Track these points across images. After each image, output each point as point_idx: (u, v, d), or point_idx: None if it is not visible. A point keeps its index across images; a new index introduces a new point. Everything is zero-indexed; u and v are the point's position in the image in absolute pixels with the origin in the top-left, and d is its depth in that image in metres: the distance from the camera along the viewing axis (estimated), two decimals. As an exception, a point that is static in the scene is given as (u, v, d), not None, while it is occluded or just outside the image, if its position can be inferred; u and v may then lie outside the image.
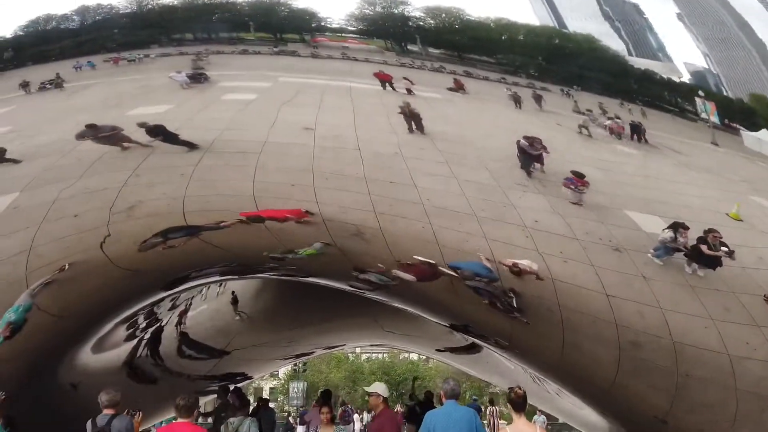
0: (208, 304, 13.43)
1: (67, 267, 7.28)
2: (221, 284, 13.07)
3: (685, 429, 7.19)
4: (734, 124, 7.81)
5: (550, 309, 6.97)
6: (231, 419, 7.74)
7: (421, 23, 8.35)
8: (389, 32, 8.28)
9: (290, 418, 26.91)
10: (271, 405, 15.57)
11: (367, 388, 6.63)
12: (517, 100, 7.96)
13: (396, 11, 8.35)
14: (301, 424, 17.98)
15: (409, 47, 8.28)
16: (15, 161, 7.38)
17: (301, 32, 8.37)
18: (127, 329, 10.88)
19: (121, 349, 10.84)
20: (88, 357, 9.69)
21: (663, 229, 6.81)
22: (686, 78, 8.01)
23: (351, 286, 8.95)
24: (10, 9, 7.81)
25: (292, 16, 8.44)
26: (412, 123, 7.62)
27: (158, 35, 8.18)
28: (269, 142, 7.52)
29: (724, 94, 8.00)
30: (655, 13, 8.11)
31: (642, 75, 8.07)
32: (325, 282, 9.53)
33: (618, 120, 7.77)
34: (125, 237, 7.39)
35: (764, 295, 6.59)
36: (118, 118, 7.59)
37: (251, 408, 10.65)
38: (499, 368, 13.44)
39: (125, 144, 7.33)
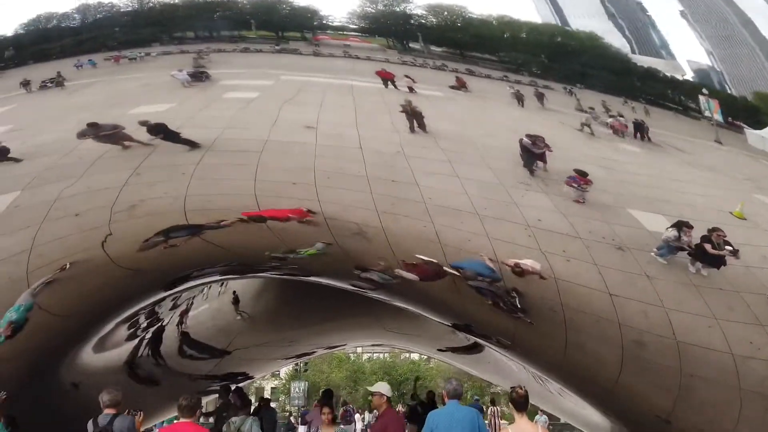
0: (209, 304, 13.43)
1: (68, 266, 7.27)
2: (222, 284, 13.06)
3: (688, 429, 7.16)
4: (738, 122, 7.78)
5: (552, 308, 6.94)
6: (233, 418, 7.73)
7: (423, 21, 8.33)
8: (391, 30, 8.26)
9: (291, 418, 26.90)
10: (273, 405, 15.55)
11: (370, 388, 6.60)
12: (519, 99, 7.93)
13: (398, 9, 8.33)
14: (303, 423, 17.97)
15: (411, 45, 8.26)
16: (16, 160, 7.36)
17: (302, 30, 8.36)
18: (129, 329, 10.87)
19: (123, 349, 10.83)
20: (89, 356, 9.68)
21: (667, 228, 6.77)
22: (689, 76, 7.97)
23: (353, 285, 8.93)
24: (11, 7, 7.80)
25: (294, 14, 8.42)
26: (414, 122, 7.59)
27: (159, 33, 8.16)
28: (271, 140, 7.50)
29: (728, 91, 7.96)
30: (658, 11, 8.08)
31: (645, 73, 8.04)
32: (326, 281, 9.52)
33: (621, 118, 7.74)
34: (126, 236, 7.37)
35: (768, 294, 6.55)
36: (119, 117, 7.58)
37: (252, 408, 10.63)
38: (500, 368, 13.41)
39: (126, 143, 7.31)
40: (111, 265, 7.42)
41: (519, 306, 7.08)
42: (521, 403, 5.37)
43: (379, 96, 8.13)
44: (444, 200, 7.28)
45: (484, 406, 19.91)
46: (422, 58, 8.29)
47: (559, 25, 8.13)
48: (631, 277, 6.79)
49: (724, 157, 7.97)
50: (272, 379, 40.49)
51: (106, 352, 10.27)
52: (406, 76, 7.95)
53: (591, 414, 10.18)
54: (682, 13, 8.17)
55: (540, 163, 7.31)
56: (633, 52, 8.04)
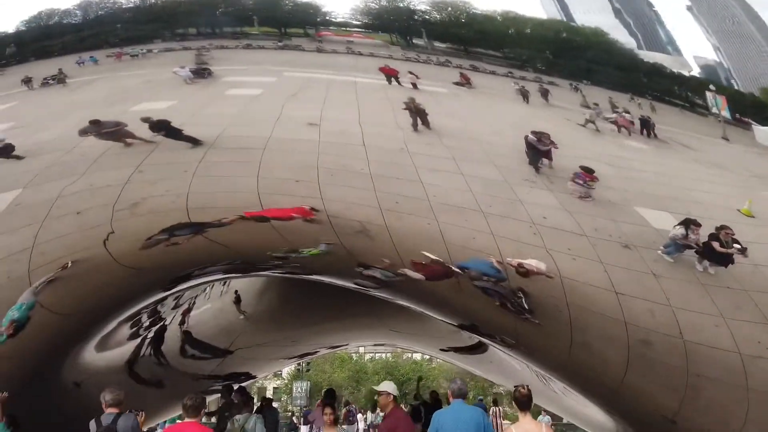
0: (211, 303, 13.41)
1: (69, 264, 7.24)
2: (225, 283, 13.04)
3: (695, 429, 7.09)
4: (746, 119, 7.70)
5: (558, 307, 6.88)
6: (237, 416, 7.72)
7: (427, 17, 8.29)
8: (394, 26, 8.23)
9: (294, 418, 26.89)
10: (275, 405, 15.53)
11: (376, 387, 6.53)
12: (524, 95, 7.88)
13: (401, 5, 8.29)
14: (305, 423, 17.94)
15: (414, 41, 8.22)
16: (18, 157, 7.34)
17: (305, 26, 8.32)
18: (131, 328, 10.84)
19: (124, 348, 10.81)
20: (91, 356, 9.65)
21: (674, 226, 6.70)
22: (696, 72, 7.91)
23: (356, 284, 8.88)
24: (13, 4, 7.78)
25: (297, 10, 8.40)
26: (418, 119, 7.54)
27: (161, 30, 8.14)
28: (273, 137, 7.45)
29: (735, 88, 7.90)
30: (664, 6, 8.01)
31: (651, 69, 7.98)
32: (329, 280, 9.47)
33: (626, 114, 7.67)
34: (128, 234, 7.34)
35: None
36: (121, 114, 7.55)
37: (254, 408, 10.59)
38: (503, 368, 13.36)
39: (129, 140, 7.28)
40: (113, 263, 7.38)
41: (524, 305, 7.02)
42: (524, 402, 5.33)
43: (383, 92, 8.09)
44: (448, 198, 7.22)
45: (487, 407, 19.83)
46: (426, 55, 8.25)
47: (565, 20, 8.07)
48: (637, 276, 6.72)
49: (732, 154, 7.91)
50: (274, 379, 40.49)
51: (108, 351, 10.24)
52: (410, 73, 7.91)
53: (595, 413, 10.12)
54: (689, 8, 8.11)
55: (545, 161, 7.25)
56: (639, 47, 7.98)
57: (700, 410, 6.84)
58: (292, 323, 13.32)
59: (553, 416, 17.86)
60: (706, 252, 6.63)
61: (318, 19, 8.30)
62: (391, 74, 7.93)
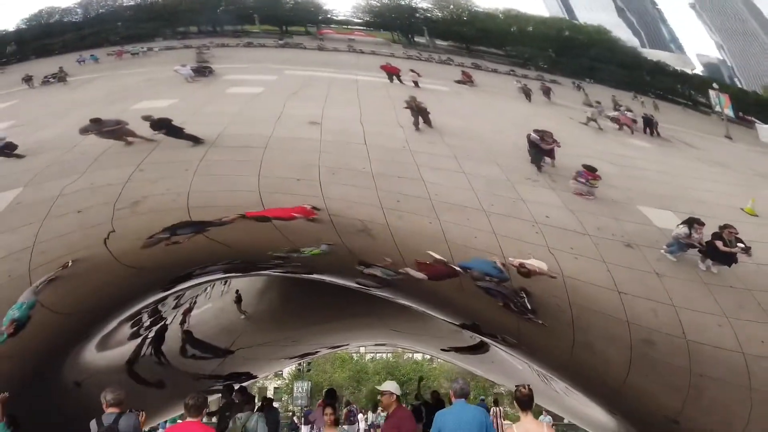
0: (212, 303, 13.39)
1: (70, 263, 7.22)
2: (226, 282, 13.02)
3: (697, 429, 7.06)
4: (749, 117, 7.67)
5: (560, 306, 6.85)
6: (239, 414, 7.72)
7: (429, 14, 8.27)
8: (396, 24, 8.21)
9: (294, 418, 26.88)
10: (275, 405, 15.51)
11: (379, 387, 6.50)
12: (527, 93, 7.84)
13: (403, 2, 8.29)
14: (306, 423, 17.92)
15: (416, 39, 8.20)
16: (18, 156, 7.32)
17: (306, 24, 8.30)
18: (131, 327, 10.82)
19: (125, 348, 10.79)
20: (91, 355, 9.63)
21: (678, 225, 6.67)
22: (699, 70, 7.88)
23: (357, 283, 8.86)
24: (14, 2, 7.77)
25: (298, 8, 8.38)
26: (419, 117, 7.51)
27: (162, 28, 8.13)
28: (275, 136, 7.43)
29: (739, 86, 7.86)
30: (667, 3, 7.98)
31: (654, 67, 7.94)
32: (330, 279, 9.45)
33: (628, 112, 7.64)
34: (129, 233, 7.32)
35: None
36: (122, 112, 7.54)
37: (255, 408, 10.57)
38: (504, 368, 13.33)
39: (129, 138, 7.26)
40: (113, 262, 7.36)
41: (527, 305, 6.99)
42: (525, 401, 5.31)
43: (385, 91, 8.06)
44: (450, 197, 7.19)
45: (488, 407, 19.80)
46: (428, 53, 8.22)
47: (567, 18, 8.04)
48: (640, 275, 6.69)
49: (735, 152, 7.87)
50: (275, 379, 40.49)
51: (108, 350, 10.22)
52: (412, 71, 7.88)
53: (597, 413, 10.08)
54: (692, 6, 8.07)
55: (548, 159, 7.22)
56: (642, 45, 7.95)
57: (703, 410, 6.81)
58: (293, 323, 13.30)
59: (555, 416, 17.83)
60: (709, 251, 6.59)
61: (319, 17, 8.28)
62: (392, 72, 7.90)
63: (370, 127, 7.58)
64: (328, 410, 6.43)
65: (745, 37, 8.06)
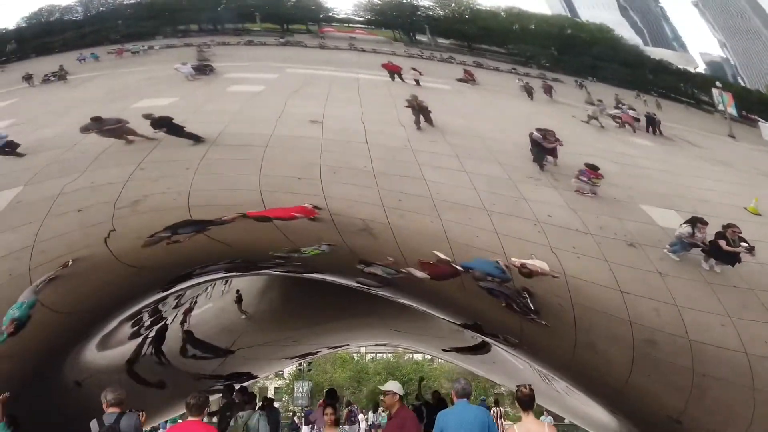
0: (213, 303, 13.38)
1: (70, 263, 7.20)
2: (226, 282, 13.01)
3: (700, 429, 7.03)
4: (752, 116, 7.64)
5: (562, 306, 6.83)
6: (240, 413, 7.71)
7: (430, 13, 8.25)
8: (398, 22, 8.20)
9: (295, 418, 26.84)
10: (276, 405, 15.49)
11: (381, 387, 6.48)
12: (528, 92, 7.82)
13: (404, 0, 8.25)
14: (306, 423, 17.90)
15: (418, 37, 8.18)
16: (19, 155, 7.30)
17: (307, 22, 8.29)
18: (132, 327, 10.81)
19: (126, 348, 10.78)
20: (92, 355, 9.62)
21: (681, 224, 6.64)
22: (702, 68, 7.85)
23: (358, 282, 8.84)
24: (14, 1, 7.75)
25: (299, 6, 8.38)
26: (421, 116, 7.49)
27: (163, 26, 8.12)
28: (275, 135, 7.42)
29: (742, 84, 7.83)
30: (670, 2, 7.95)
31: (657, 65, 7.92)
32: (331, 279, 9.43)
33: (630, 111, 7.61)
34: (130, 232, 7.30)
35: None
36: (122, 111, 7.52)
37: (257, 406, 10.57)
38: (506, 368, 13.31)
39: (130, 137, 7.25)
40: (114, 261, 7.34)
41: (529, 305, 6.96)
42: (527, 401, 5.29)
43: (386, 89, 8.05)
44: (452, 195, 7.17)
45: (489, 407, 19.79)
46: (429, 51, 8.21)
47: (569, 16, 8.01)
48: (642, 275, 6.67)
49: (738, 151, 7.85)
50: (276, 379, 40.48)
51: (109, 350, 10.21)
52: (413, 69, 7.86)
53: (598, 413, 10.05)
54: (695, 4, 8.04)
55: (550, 158, 7.19)
56: (645, 44, 7.92)
57: (705, 410, 6.79)
58: (294, 323, 13.29)
59: (556, 416, 17.80)
60: (712, 251, 6.56)
61: (320, 15, 8.26)
62: (394, 71, 7.88)
63: (371, 126, 7.55)
64: (329, 410, 6.41)
65: (748, 35, 8.03)
